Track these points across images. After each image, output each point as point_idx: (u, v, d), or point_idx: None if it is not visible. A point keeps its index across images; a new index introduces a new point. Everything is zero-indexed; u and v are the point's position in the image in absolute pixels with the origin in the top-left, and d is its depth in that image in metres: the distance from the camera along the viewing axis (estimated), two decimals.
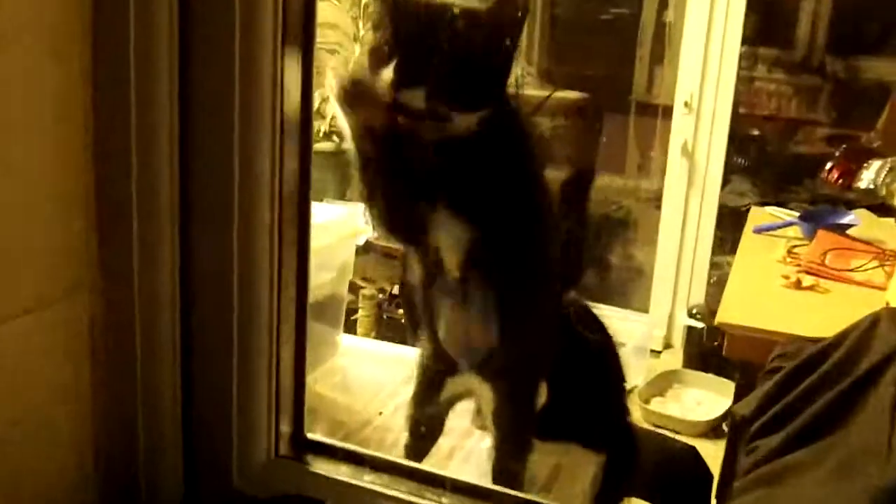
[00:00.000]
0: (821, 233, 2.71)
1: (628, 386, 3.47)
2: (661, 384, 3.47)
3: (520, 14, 1.06)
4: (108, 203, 0.84)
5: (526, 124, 1.16)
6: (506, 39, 1.06)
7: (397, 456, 1.21)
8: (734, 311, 2.27)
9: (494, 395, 1.13)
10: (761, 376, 2.00)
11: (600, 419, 1.27)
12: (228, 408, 0.84)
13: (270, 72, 0.84)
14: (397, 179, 1.06)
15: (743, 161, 4.11)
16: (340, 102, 1.05)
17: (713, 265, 3.84)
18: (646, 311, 3.94)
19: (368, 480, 0.85)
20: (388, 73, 1.03)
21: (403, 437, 1.25)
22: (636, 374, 3.58)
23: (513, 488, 1.11)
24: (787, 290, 2.39)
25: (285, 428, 0.88)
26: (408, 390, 1.29)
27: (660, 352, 3.82)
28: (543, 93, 3.82)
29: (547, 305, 1.17)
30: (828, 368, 1.69)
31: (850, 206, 3.12)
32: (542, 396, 1.15)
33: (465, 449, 1.28)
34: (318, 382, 1.42)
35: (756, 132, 4.39)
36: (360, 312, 2.98)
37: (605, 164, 4.66)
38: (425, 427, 1.21)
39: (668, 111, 4.01)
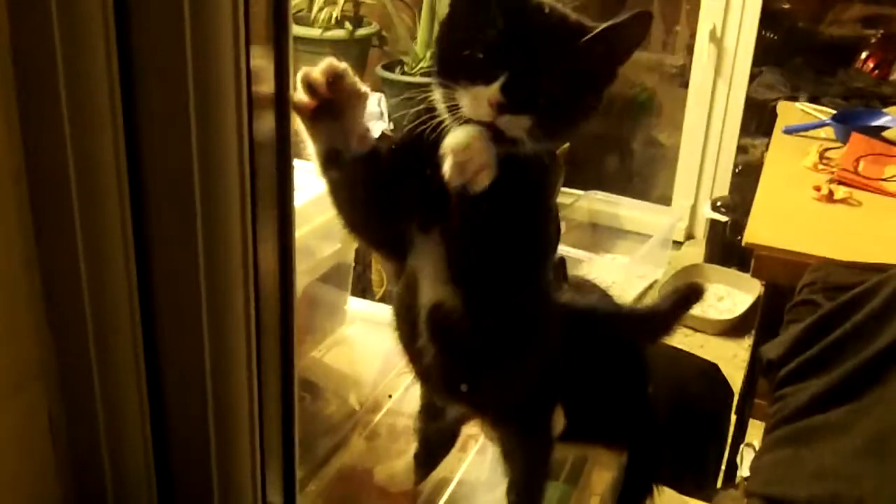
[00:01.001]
0: (854, 136, 2.52)
1: (648, 281, 3.37)
2: (682, 279, 3.34)
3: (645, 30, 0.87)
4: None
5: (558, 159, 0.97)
6: (621, 60, 0.88)
7: (407, 460, 1.10)
8: (763, 230, 2.12)
9: (502, 437, 1.01)
10: (789, 309, 1.88)
11: (621, 418, 1.15)
12: (208, 478, 0.73)
13: None
14: (394, 194, 0.89)
15: (772, 35, 3.86)
16: None
17: (739, 149, 3.65)
18: (668, 198, 3.79)
19: None
20: (491, 94, 0.82)
21: (413, 424, 1.14)
22: (658, 266, 3.46)
23: None
24: (819, 204, 2.24)
25: (275, 499, 0.77)
26: None
27: (681, 243, 3.69)
28: None
29: (549, 340, 1.00)
30: (863, 318, 1.56)
31: (885, 101, 2.92)
32: (559, 423, 1.02)
33: (481, 441, 1.17)
34: (326, 354, 1.31)
35: (787, 6, 4.12)
36: (375, 277, 2.77)
37: None
38: (435, 439, 1.10)
39: None
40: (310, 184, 1.24)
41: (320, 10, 3.20)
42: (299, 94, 0.87)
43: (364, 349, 1.35)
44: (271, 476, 0.78)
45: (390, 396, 1.24)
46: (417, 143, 0.86)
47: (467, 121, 0.83)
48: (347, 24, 3.24)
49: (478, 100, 0.83)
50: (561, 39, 0.85)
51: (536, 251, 0.94)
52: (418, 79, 3.07)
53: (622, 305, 1.19)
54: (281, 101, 0.74)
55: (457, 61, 0.85)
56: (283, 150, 0.76)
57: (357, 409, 1.24)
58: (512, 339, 0.96)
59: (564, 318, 0.99)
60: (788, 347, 1.66)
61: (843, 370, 1.51)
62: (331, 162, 0.90)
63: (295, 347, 1.10)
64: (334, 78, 0.86)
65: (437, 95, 0.87)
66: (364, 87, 0.88)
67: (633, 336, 1.14)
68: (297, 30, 3.19)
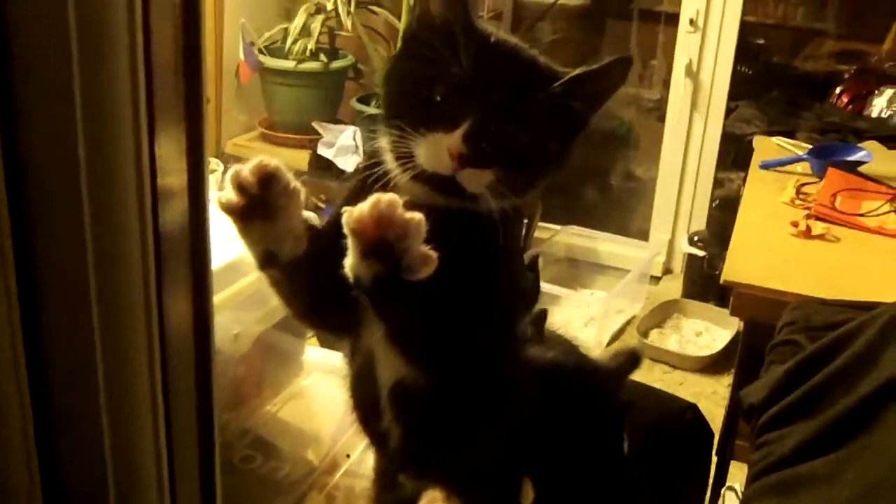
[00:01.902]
0: (831, 171, 2.46)
1: (627, 317, 3.27)
2: (661, 315, 3.26)
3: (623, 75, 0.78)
4: None
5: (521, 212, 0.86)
6: (595, 108, 0.79)
7: None
8: (741, 268, 2.04)
9: None
10: (770, 349, 1.79)
11: (594, 484, 1.05)
12: None
13: None
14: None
15: (747, 70, 3.81)
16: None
17: (716, 183, 3.59)
18: (645, 231, 3.71)
19: None
20: (453, 143, 0.72)
21: (370, 493, 1.04)
22: (636, 301, 3.37)
23: None
24: (796, 240, 2.16)
25: None
26: None
27: (659, 278, 3.60)
28: None
29: (520, 405, 0.89)
30: (846, 361, 1.47)
31: (860, 135, 2.86)
32: (528, 495, 0.92)
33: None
34: (282, 408, 1.21)
35: (762, 41, 4.08)
36: None
37: None
38: None
39: (671, 18, 3.72)
40: None
41: (295, 41, 3.12)
42: (228, 194, 0.77)
43: (322, 402, 1.24)
44: None
45: (348, 456, 1.14)
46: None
47: (420, 174, 0.73)
48: (322, 57, 3.17)
49: (436, 149, 0.72)
50: (532, 83, 0.75)
51: (503, 314, 0.84)
52: None
53: (588, 360, 1.09)
54: (196, 190, 0.63)
55: (411, 104, 0.75)
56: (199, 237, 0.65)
57: (315, 466, 1.13)
58: (481, 409, 0.85)
59: (534, 379, 0.89)
60: (770, 391, 1.58)
61: (828, 416, 1.42)
62: (267, 263, 0.80)
63: (250, 402, 0.99)
64: (265, 177, 0.76)
65: (384, 143, 0.77)
66: (296, 183, 0.77)
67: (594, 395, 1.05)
68: (271, 62, 3.11)
